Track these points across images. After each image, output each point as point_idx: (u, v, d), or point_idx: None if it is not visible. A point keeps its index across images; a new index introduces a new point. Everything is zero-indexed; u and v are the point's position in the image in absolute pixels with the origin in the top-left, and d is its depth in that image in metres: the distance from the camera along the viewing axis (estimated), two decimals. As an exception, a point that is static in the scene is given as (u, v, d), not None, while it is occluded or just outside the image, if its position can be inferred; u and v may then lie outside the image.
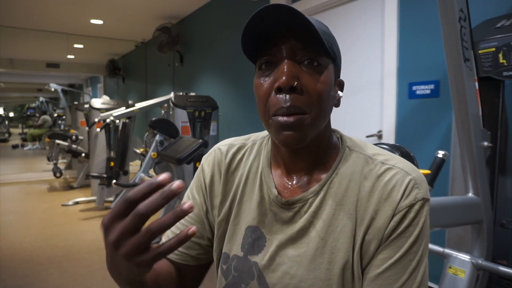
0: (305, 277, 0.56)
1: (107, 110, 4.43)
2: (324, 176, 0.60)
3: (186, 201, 0.41)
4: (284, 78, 0.52)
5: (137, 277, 0.47)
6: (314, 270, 0.56)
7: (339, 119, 2.52)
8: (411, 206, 0.53)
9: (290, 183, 0.62)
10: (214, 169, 0.69)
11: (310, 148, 0.59)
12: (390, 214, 0.54)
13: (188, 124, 3.56)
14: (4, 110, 17.06)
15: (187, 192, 0.73)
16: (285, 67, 0.53)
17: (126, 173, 4.27)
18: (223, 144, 0.71)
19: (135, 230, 0.41)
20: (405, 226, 0.53)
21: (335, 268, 0.55)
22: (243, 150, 0.69)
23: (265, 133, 0.70)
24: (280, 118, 0.53)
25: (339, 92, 0.61)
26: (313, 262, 0.56)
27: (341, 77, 0.64)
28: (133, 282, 0.50)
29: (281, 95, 0.53)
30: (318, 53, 0.54)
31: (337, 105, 0.61)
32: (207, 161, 0.71)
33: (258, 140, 0.70)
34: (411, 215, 0.53)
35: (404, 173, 0.55)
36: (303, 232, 0.58)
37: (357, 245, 0.55)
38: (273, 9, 0.50)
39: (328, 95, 0.55)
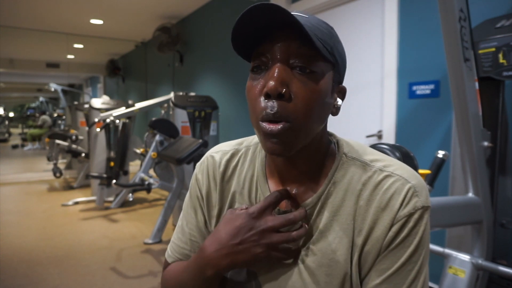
0: None
1: (107, 110, 4.44)
2: (320, 186, 0.58)
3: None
4: (272, 83, 0.49)
5: (235, 267, 0.56)
6: (312, 282, 0.55)
7: (339, 120, 2.52)
8: (410, 215, 0.52)
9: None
10: (209, 178, 0.67)
11: (306, 156, 0.57)
12: (389, 223, 0.52)
13: (188, 124, 3.56)
14: (4, 110, 17.05)
15: (184, 205, 0.71)
16: (276, 72, 0.50)
17: (126, 173, 4.27)
18: (215, 151, 0.69)
19: (279, 228, 0.54)
20: (404, 236, 0.52)
21: (334, 280, 0.54)
22: (237, 157, 0.67)
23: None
24: (266, 126, 0.51)
25: (338, 99, 0.58)
26: (311, 274, 0.55)
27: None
28: (219, 276, 0.58)
29: (269, 101, 0.51)
30: (314, 58, 0.51)
31: (335, 113, 0.58)
32: (201, 170, 0.68)
33: (252, 145, 0.67)
34: (410, 224, 0.52)
35: (403, 180, 0.54)
36: (301, 244, 0.57)
37: (355, 256, 0.54)
38: (263, 8, 0.47)
39: (320, 104, 0.53)
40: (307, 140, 0.54)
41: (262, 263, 0.55)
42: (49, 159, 5.72)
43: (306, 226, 0.55)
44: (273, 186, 0.61)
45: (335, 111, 0.58)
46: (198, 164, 0.70)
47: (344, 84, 0.60)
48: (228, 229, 0.55)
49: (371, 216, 0.54)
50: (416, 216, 0.52)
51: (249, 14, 0.49)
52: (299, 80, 0.51)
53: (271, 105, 0.50)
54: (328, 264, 0.55)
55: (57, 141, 5.14)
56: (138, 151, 4.28)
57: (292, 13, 0.53)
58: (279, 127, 0.50)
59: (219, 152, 0.68)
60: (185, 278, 0.61)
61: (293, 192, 0.59)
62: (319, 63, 0.52)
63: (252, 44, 0.54)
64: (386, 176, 0.55)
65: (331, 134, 0.63)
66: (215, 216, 0.66)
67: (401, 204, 0.52)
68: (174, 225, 3.60)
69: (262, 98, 0.52)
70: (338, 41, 0.57)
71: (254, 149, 0.66)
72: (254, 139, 0.68)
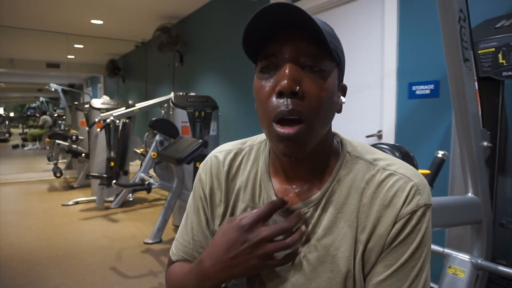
0: (306, 286, 0.56)
1: (107, 110, 4.44)
2: (325, 183, 0.58)
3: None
4: (286, 82, 0.50)
5: (233, 278, 0.56)
6: (315, 279, 0.56)
7: (339, 120, 2.51)
8: (413, 212, 0.53)
9: (290, 190, 0.61)
10: (212, 178, 0.67)
11: (311, 155, 0.58)
12: (392, 221, 0.53)
13: (188, 124, 3.56)
14: (4, 110, 17.05)
15: (188, 204, 0.72)
16: (287, 70, 0.51)
17: (126, 173, 4.27)
18: (219, 151, 0.69)
19: (273, 238, 0.53)
20: (407, 233, 0.53)
21: (337, 277, 0.55)
22: (241, 156, 0.67)
23: (262, 137, 0.68)
24: (280, 129, 0.51)
25: (341, 97, 0.59)
26: (314, 271, 0.56)
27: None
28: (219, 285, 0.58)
29: (282, 99, 0.51)
30: (322, 57, 0.53)
31: (339, 111, 0.59)
32: (204, 169, 0.69)
33: (255, 145, 0.68)
34: (413, 221, 0.53)
35: (406, 179, 0.54)
36: (304, 240, 0.58)
37: (358, 253, 0.55)
38: (278, 7, 0.48)
39: (329, 102, 0.54)
40: (318, 140, 0.55)
41: (259, 272, 0.56)
42: (49, 159, 5.71)
43: (303, 228, 0.55)
44: (276, 184, 0.62)
45: (339, 108, 0.59)
46: (201, 164, 0.71)
47: (347, 89, 0.62)
48: (222, 243, 0.55)
49: (374, 213, 0.54)
50: (418, 213, 0.53)
51: (264, 13, 0.50)
52: (309, 78, 0.52)
53: (285, 103, 0.51)
54: (331, 260, 0.55)
55: (57, 141, 5.14)
56: (138, 151, 4.28)
57: None
58: (295, 130, 0.51)
59: (222, 151, 0.69)
60: (187, 284, 0.62)
61: (298, 190, 0.60)
62: (327, 62, 0.53)
63: (258, 44, 0.54)
64: (389, 175, 0.56)
65: (334, 134, 0.64)
66: (220, 216, 0.66)
67: (404, 202, 0.53)
68: (174, 225, 3.60)
69: (274, 97, 0.52)
70: (339, 41, 0.58)
71: (258, 148, 0.67)
72: (257, 138, 0.69)
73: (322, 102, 0.52)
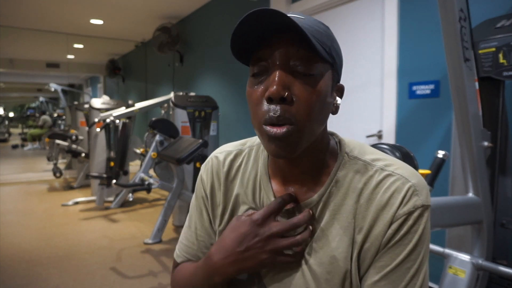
0: (304, 287, 0.56)
1: (107, 110, 4.44)
2: (323, 184, 0.58)
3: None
4: (274, 88, 0.50)
5: (242, 273, 0.57)
6: (313, 280, 0.56)
7: (339, 120, 2.52)
8: (409, 213, 0.52)
9: (288, 192, 0.60)
10: (213, 178, 0.68)
11: (307, 155, 0.58)
12: (388, 221, 0.53)
13: (188, 124, 3.56)
14: (4, 110, 17.05)
15: (191, 205, 0.72)
16: (276, 76, 0.51)
17: (126, 173, 4.27)
18: (219, 152, 0.70)
19: (283, 233, 0.55)
20: (403, 233, 0.52)
21: (335, 278, 0.55)
22: (241, 157, 0.68)
23: None
24: (270, 129, 0.51)
25: (337, 98, 0.59)
26: (313, 272, 0.56)
27: (342, 78, 0.61)
28: (227, 281, 0.59)
29: (271, 105, 0.51)
30: (313, 60, 0.52)
31: (335, 112, 0.59)
32: (205, 170, 0.70)
33: (255, 146, 0.68)
34: (409, 222, 0.52)
35: (404, 179, 0.54)
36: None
37: (355, 254, 0.55)
38: (259, 13, 0.48)
39: (321, 105, 0.53)
40: (310, 141, 0.55)
41: (268, 267, 0.56)
42: (49, 159, 5.72)
43: (311, 228, 0.56)
44: (276, 186, 0.62)
45: (335, 109, 0.59)
46: (203, 165, 0.72)
47: (344, 84, 0.61)
48: (233, 237, 0.56)
49: (371, 214, 0.54)
50: (415, 214, 0.52)
51: (247, 20, 0.50)
52: (299, 82, 0.52)
53: (274, 109, 0.51)
54: (329, 262, 0.55)
55: (57, 141, 5.14)
56: (138, 151, 4.28)
57: (288, 15, 0.53)
58: (284, 130, 0.51)
59: (223, 152, 0.70)
60: (194, 282, 0.63)
61: (296, 191, 0.60)
62: (318, 64, 0.53)
63: (250, 48, 0.54)
64: (387, 175, 0.55)
65: (332, 134, 0.64)
66: (219, 215, 0.66)
67: (401, 203, 0.53)
68: (174, 225, 3.60)
69: (264, 102, 0.52)
70: (335, 40, 0.57)
71: (257, 149, 0.67)
72: (257, 139, 0.69)
73: (312, 106, 0.52)
